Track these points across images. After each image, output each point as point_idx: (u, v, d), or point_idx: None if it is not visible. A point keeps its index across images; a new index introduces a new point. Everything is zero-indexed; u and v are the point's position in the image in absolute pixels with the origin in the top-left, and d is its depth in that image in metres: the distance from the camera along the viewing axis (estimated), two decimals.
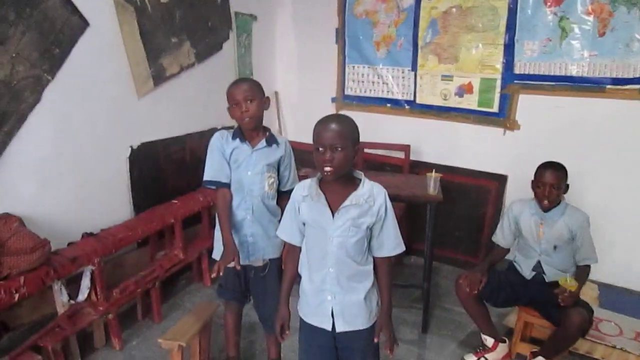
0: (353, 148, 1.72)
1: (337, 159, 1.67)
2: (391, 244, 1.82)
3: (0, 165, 2.55)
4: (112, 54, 3.11)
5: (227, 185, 2.28)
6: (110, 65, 3.11)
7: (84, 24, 2.87)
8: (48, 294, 2.65)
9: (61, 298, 2.64)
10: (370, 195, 1.76)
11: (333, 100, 4.60)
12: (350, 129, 1.72)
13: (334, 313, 1.83)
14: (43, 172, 2.77)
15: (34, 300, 2.65)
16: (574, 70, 3.40)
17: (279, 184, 2.38)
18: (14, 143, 2.60)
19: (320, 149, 1.69)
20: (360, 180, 1.79)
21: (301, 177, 2.41)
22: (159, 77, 3.48)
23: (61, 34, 2.75)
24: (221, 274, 2.18)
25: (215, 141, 2.32)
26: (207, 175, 2.30)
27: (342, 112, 4.26)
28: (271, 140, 2.31)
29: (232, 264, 2.18)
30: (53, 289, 2.61)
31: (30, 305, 2.69)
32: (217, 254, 2.37)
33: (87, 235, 2.91)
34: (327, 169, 1.68)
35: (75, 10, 2.81)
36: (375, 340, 1.86)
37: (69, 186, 2.93)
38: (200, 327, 2.53)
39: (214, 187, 2.30)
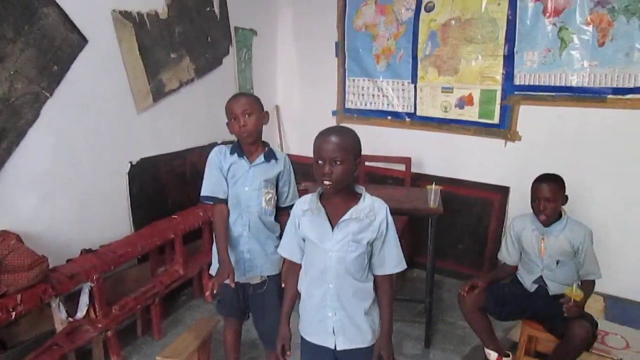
0: (354, 161, 1.69)
1: (336, 173, 1.64)
2: (392, 261, 1.78)
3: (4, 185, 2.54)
4: (111, 70, 3.12)
5: (224, 201, 2.26)
6: (110, 81, 3.12)
7: (83, 40, 2.88)
8: (46, 311, 2.63)
9: (59, 315, 2.62)
10: (371, 210, 1.73)
11: (334, 113, 4.59)
12: (350, 141, 1.70)
13: (335, 330, 1.79)
14: (42, 189, 2.76)
15: (32, 317, 2.63)
16: (574, 81, 3.38)
17: (277, 200, 2.36)
18: (12, 159, 2.59)
19: (320, 161, 1.67)
20: (362, 194, 1.76)
21: (301, 192, 2.40)
22: (159, 93, 3.49)
23: (60, 51, 2.77)
24: (215, 291, 2.15)
25: (213, 156, 2.31)
26: (205, 191, 2.28)
27: (343, 125, 4.26)
28: (270, 156, 2.29)
29: (227, 281, 2.16)
30: (51, 306, 2.59)
31: (28, 323, 2.67)
32: (214, 270, 2.35)
33: (86, 252, 2.89)
34: (327, 182, 1.66)
35: (73, 27, 2.82)
36: None
37: (68, 202, 2.92)
38: (199, 343, 2.50)
39: (211, 203, 2.28)
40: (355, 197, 1.76)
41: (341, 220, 1.71)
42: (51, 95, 2.75)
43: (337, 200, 1.74)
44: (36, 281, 2.41)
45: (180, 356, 2.37)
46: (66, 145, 2.88)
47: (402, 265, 1.81)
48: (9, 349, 2.61)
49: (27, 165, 2.67)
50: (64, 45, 2.78)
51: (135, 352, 3.04)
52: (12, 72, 2.54)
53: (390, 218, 1.76)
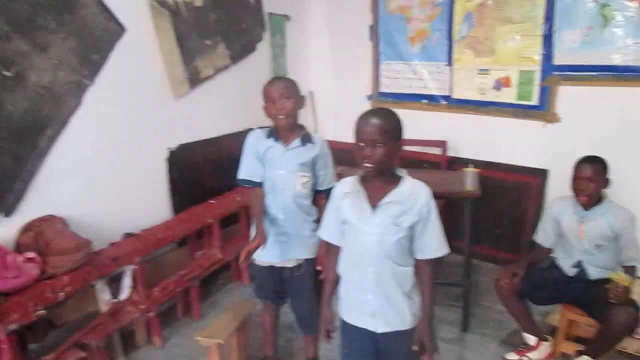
0: (395, 144, 1.68)
1: (377, 155, 1.63)
2: (434, 245, 1.76)
3: (44, 168, 2.63)
4: (149, 57, 3.18)
5: (260, 184, 2.29)
6: (147, 69, 3.18)
7: (121, 29, 2.94)
8: (91, 292, 2.72)
9: (104, 297, 2.71)
10: (412, 193, 1.71)
11: (368, 98, 4.57)
12: (392, 124, 1.68)
13: (375, 313, 1.79)
14: (84, 175, 2.85)
15: (77, 298, 2.72)
16: (617, 59, 3.26)
17: (315, 183, 2.37)
18: (56, 146, 2.68)
19: (361, 144, 1.66)
20: (403, 177, 1.75)
21: (336, 176, 2.41)
22: (195, 79, 3.54)
23: (99, 40, 2.83)
24: (243, 258, 2.21)
25: (249, 140, 2.33)
26: (241, 174, 2.32)
27: None
28: (306, 139, 2.30)
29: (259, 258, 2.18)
30: (96, 288, 2.68)
31: (74, 304, 2.76)
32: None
33: (128, 235, 2.98)
34: (367, 165, 1.65)
35: (112, 16, 2.88)
36: (414, 348, 1.80)
37: (110, 187, 3.00)
38: (237, 325, 2.55)
39: (247, 185, 2.31)
40: (396, 180, 1.74)
41: (382, 203, 1.70)
42: (92, 83, 2.82)
43: (378, 183, 1.73)
44: (81, 263, 2.50)
45: (219, 337, 2.42)
46: (107, 132, 2.95)
47: (444, 250, 1.79)
48: (56, 328, 2.72)
49: (71, 152, 2.75)
50: (103, 34, 2.85)
51: (175, 333, 3.12)
52: (55, 62, 2.61)
53: (432, 201, 1.74)
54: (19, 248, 2.44)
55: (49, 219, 2.58)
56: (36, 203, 2.59)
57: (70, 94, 2.71)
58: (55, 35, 2.60)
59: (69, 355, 2.46)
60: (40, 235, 2.48)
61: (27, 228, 2.50)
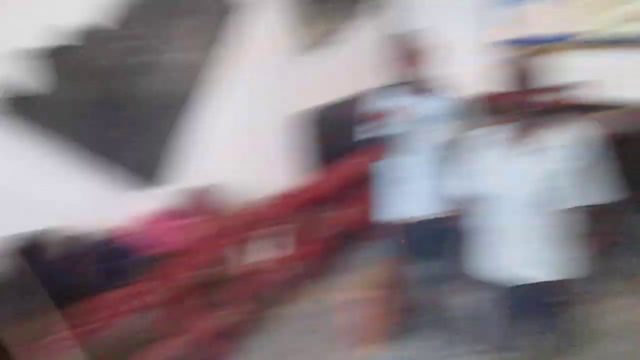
0: (547, 90, 1.66)
1: (529, 102, 1.63)
2: (593, 191, 1.64)
3: (196, 140, 2.87)
4: (279, 25, 3.27)
5: None
6: (279, 36, 3.28)
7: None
8: (246, 251, 2.92)
9: (257, 255, 2.90)
10: (568, 139, 1.64)
11: (503, 44, 4.27)
12: (542, 70, 1.66)
13: (520, 265, 1.74)
14: (235, 143, 3.05)
15: (234, 257, 2.93)
16: None
17: None
18: (202, 120, 2.90)
19: (511, 91, 1.64)
20: (557, 123, 1.68)
21: None
22: (325, 42, 3.63)
23: (226, 16, 2.96)
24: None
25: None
26: None
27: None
28: (440, 93, 2.28)
29: None
30: (251, 247, 2.88)
31: (232, 263, 2.96)
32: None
33: (283, 196, 3.14)
34: (519, 111, 1.65)
35: None
36: (559, 300, 1.75)
37: (256, 153, 3.18)
38: (378, 282, 2.59)
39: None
40: (548, 126, 1.68)
41: (532, 150, 1.66)
42: (224, 57, 2.97)
43: (530, 131, 1.68)
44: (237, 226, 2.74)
45: (362, 292, 2.47)
46: (249, 101, 3.12)
47: (605, 197, 1.66)
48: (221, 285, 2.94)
49: (216, 123, 2.95)
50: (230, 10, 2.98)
51: (318, 290, 3.17)
52: (190, 42, 2.80)
53: (591, 146, 1.64)
54: (178, 214, 2.71)
55: (206, 187, 2.83)
56: (190, 173, 2.84)
57: (207, 69, 2.89)
58: (186, 17, 2.77)
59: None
60: (199, 201, 2.72)
61: (184, 195, 2.76)
